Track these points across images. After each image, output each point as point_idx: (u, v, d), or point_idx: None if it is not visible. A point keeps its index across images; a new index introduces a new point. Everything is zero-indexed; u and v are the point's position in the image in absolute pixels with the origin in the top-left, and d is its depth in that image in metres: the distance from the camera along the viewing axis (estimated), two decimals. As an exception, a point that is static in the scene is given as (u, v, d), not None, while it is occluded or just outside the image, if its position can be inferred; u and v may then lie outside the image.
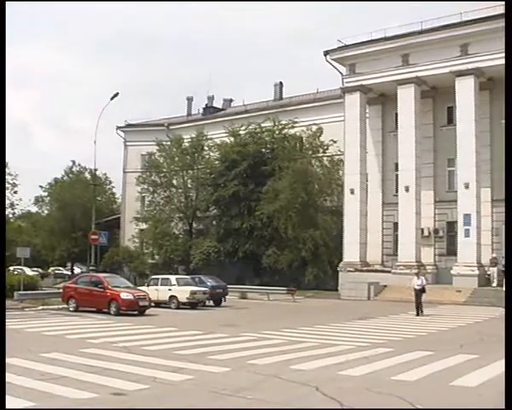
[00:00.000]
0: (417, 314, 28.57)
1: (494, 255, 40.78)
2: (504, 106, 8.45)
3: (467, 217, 40.36)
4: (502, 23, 38.26)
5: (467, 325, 25.43)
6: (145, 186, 58.41)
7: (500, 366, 14.20)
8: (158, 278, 34.68)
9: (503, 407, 6.70)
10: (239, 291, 41.43)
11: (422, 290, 29.44)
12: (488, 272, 39.93)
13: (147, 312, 28.35)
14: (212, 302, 35.09)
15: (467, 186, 40.24)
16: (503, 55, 40.00)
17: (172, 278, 34.84)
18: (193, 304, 32.46)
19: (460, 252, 40.64)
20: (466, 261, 39.86)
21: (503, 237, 42.04)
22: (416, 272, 33.03)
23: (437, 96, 44.79)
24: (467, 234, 40.30)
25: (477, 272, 39.28)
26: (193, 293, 32.58)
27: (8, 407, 8.67)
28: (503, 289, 17.21)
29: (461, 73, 40.69)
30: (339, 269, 44.31)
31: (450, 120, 43.92)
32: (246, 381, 12.19)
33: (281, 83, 63.52)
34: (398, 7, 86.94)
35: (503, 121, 41.97)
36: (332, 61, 45.98)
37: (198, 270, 48.32)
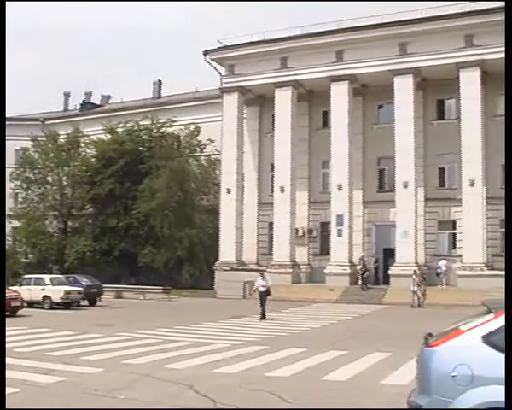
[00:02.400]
0: (262, 318, 26.38)
1: (363, 254, 42.33)
2: (504, 105, 8.77)
3: (339, 217, 41.58)
4: (377, 32, 40.22)
5: (338, 322, 26.20)
6: (18, 183, 56.54)
7: (368, 361, 14.88)
8: (31, 278, 33.68)
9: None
10: (114, 291, 40.90)
11: (267, 292, 27.27)
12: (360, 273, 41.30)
13: (19, 312, 27.45)
14: (86, 302, 34.46)
15: (340, 188, 41.45)
16: (378, 62, 41.96)
17: (46, 277, 33.93)
18: (67, 304, 31.74)
19: (333, 251, 41.80)
20: (338, 261, 41.08)
21: (374, 237, 43.91)
22: (260, 272, 30.41)
23: (313, 99, 45.82)
24: (339, 234, 41.54)
25: (349, 270, 40.56)
26: (67, 293, 31.87)
27: (8, 407, 8.32)
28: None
29: (336, 79, 41.85)
30: (215, 268, 44.52)
31: (325, 123, 45.08)
32: (119, 381, 12.11)
33: (160, 81, 63.23)
34: (281, 10, 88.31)
35: (374, 126, 43.98)
36: (211, 62, 46.04)
37: (73, 269, 47.20)
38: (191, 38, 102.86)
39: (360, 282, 39.98)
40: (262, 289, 27.20)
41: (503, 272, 30.12)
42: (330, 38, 41.83)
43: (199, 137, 50.54)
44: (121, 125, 52.56)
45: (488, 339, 6.10)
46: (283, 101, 43.56)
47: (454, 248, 41.65)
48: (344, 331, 22.40)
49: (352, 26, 41.20)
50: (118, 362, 14.31)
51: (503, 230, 40.45)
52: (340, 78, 41.81)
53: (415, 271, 35.43)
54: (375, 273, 42.11)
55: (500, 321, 6.16)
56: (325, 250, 43.38)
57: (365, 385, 12.04)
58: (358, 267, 41.05)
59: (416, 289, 33.88)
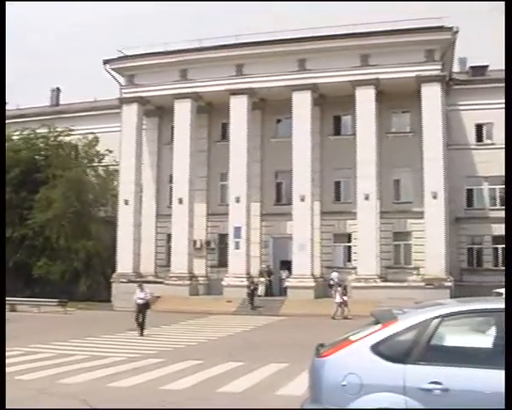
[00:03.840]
0: (141, 334, 24.74)
1: (263, 266, 42.88)
2: (504, 106, 9.01)
3: (237, 230, 41.88)
4: (276, 48, 40.87)
5: (235, 334, 26.41)
6: None
7: (265, 372, 15.08)
8: None
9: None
10: (8, 303, 39.56)
11: (146, 305, 25.78)
12: (257, 284, 41.69)
13: None
14: (-23, 315, 33.23)
15: (238, 200, 41.77)
16: (277, 77, 42.73)
17: None
18: (-45, 318, 30.53)
19: (230, 263, 42.05)
20: (236, 272, 41.31)
21: (271, 249, 44.45)
22: (139, 283, 28.28)
23: (213, 111, 46.01)
24: (237, 246, 41.83)
25: (246, 282, 40.72)
26: (-44, 306, 30.67)
27: (8, 406, 7.92)
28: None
29: (235, 92, 42.20)
30: (112, 280, 43.90)
31: (225, 135, 45.31)
32: (12, 398, 11.74)
33: (58, 88, 61.93)
34: (184, 21, 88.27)
35: (273, 140, 44.59)
36: (111, 71, 45.52)
37: (-37, 281, 45.55)
38: (91, 46, 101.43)
39: (248, 299, 39.25)
40: (140, 301, 25.56)
41: (395, 284, 31.67)
42: (229, 51, 42.14)
43: (97, 147, 49.88)
44: (17, 133, 51.12)
45: (376, 348, 6.34)
46: (183, 112, 43.57)
47: (349, 260, 42.75)
48: (241, 343, 22.59)
49: (252, 40, 41.72)
50: (10, 378, 13.85)
51: (396, 243, 42.09)
52: (239, 91, 42.19)
53: (338, 283, 36.13)
54: (266, 286, 42.26)
55: (387, 331, 6.43)
56: (223, 262, 43.56)
57: (260, 396, 12.24)
58: (261, 279, 41.61)
59: (340, 300, 34.52)
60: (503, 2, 10.01)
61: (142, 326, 24.91)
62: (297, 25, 43.29)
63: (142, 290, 26.10)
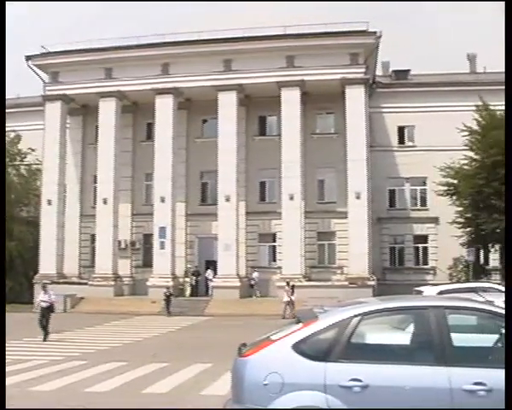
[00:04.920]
0: (45, 339, 23.19)
1: (189, 266, 42.82)
2: (504, 106, 9.08)
3: (162, 230, 41.67)
4: (202, 48, 40.81)
5: (160, 335, 26.26)
6: None
7: (189, 372, 15.10)
8: None
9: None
10: None
11: (50, 308, 24.10)
12: (181, 284, 41.68)
13: None
14: None
15: (163, 200, 41.56)
16: (202, 77, 42.56)
17: None
18: None
19: (155, 264, 41.78)
20: (161, 273, 41.07)
21: (196, 249, 44.41)
22: (43, 285, 26.38)
23: (138, 111, 45.66)
24: (162, 246, 41.62)
25: (171, 283, 40.57)
26: None
27: (8, 407, 7.56)
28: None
29: (161, 92, 41.94)
30: (35, 281, 43.00)
31: (150, 135, 44.98)
32: None
33: (-24, 85, 60.27)
34: (111, 20, 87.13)
35: (198, 140, 44.51)
36: (34, 68, 44.55)
37: None
38: (13, 41, 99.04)
39: (165, 305, 37.57)
40: (44, 304, 23.97)
41: (319, 283, 32.15)
42: (155, 50, 41.80)
43: (19, 146, 48.68)
44: None
45: (297, 347, 6.44)
46: (107, 112, 43.01)
47: (274, 260, 43.07)
48: (165, 344, 22.53)
49: (178, 40, 41.54)
50: None
51: (320, 242, 42.67)
52: (164, 91, 41.94)
53: (288, 282, 36.19)
54: (192, 286, 42.10)
55: (308, 330, 6.55)
56: (148, 262, 43.22)
57: (185, 397, 12.26)
58: (187, 279, 41.60)
59: (288, 299, 34.57)
60: (497, 3, 10.19)
61: (46, 330, 23.47)
62: (223, 25, 43.25)
63: (46, 292, 24.62)
